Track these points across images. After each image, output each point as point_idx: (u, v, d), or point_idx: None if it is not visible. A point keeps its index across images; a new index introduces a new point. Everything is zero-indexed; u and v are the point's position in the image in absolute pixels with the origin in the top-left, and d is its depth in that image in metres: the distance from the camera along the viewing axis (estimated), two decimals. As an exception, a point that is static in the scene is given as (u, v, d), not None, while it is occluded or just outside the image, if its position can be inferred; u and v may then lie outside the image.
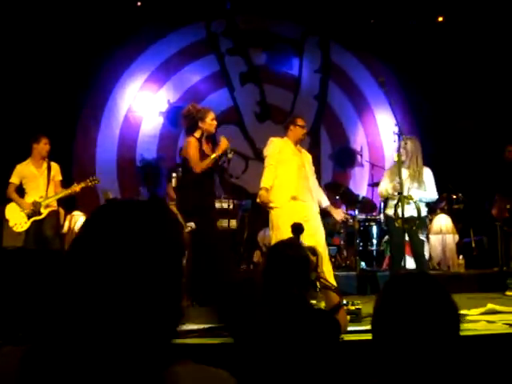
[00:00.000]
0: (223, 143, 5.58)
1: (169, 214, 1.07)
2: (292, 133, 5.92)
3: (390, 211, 5.80)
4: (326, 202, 6.05)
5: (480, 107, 9.58)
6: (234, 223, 7.56)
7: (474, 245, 8.33)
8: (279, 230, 5.45)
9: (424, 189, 5.82)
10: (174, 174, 7.38)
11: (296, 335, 2.37)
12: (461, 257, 7.98)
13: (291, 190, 5.70)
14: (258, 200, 5.78)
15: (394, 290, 1.50)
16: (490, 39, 9.39)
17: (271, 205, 5.66)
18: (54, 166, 6.70)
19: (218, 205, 7.63)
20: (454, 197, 8.37)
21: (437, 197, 6.10)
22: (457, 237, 8.01)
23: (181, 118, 5.86)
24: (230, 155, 5.71)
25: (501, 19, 9.13)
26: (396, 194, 5.52)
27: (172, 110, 9.51)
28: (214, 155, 5.52)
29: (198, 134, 5.60)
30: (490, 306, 4.74)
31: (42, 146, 6.61)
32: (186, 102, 9.58)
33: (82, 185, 6.62)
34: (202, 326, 3.61)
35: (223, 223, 7.50)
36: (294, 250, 2.60)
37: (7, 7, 8.01)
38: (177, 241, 1.05)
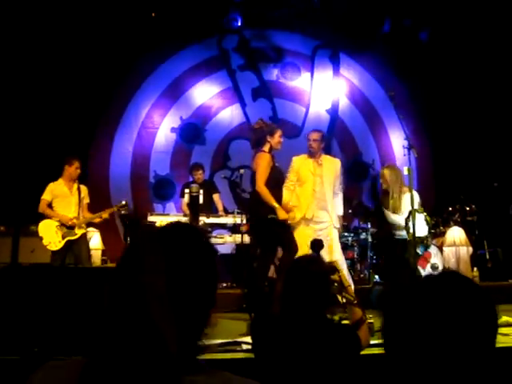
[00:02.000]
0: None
1: (203, 237, 1.19)
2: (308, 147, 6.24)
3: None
4: (338, 212, 6.26)
5: (493, 119, 9.58)
6: (247, 238, 7.57)
7: (488, 257, 8.27)
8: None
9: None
10: (186, 190, 7.41)
11: (316, 350, 2.37)
12: (475, 269, 7.93)
13: (304, 213, 6.04)
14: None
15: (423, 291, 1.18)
16: (504, 54, 9.39)
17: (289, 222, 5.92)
18: (83, 189, 6.89)
19: (231, 220, 7.70)
20: (467, 209, 8.32)
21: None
22: (471, 249, 7.95)
23: (250, 132, 6.02)
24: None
25: None
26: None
27: (184, 126, 9.61)
28: (276, 206, 5.51)
29: (266, 149, 5.68)
30: (504, 318, 4.71)
31: (74, 170, 6.77)
32: (198, 118, 9.71)
33: (110, 210, 6.96)
34: (216, 342, 3.61)
35: (237, 238, 7.53)
36: (314, 265, 2.61)
37: (22, 27, 8.17)
38: (209, 263, 1.15)
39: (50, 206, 6.68)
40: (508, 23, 9.05)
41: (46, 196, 6.68)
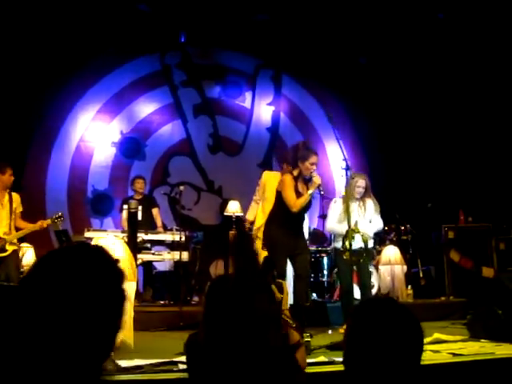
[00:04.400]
0: (316, 179, 5.55)
1: (109, 260, 1.18)
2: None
3: (338, 244, 6.01)
4: None
5: (428, 140, 9.92)
6: (185, 255, 7.52)
7: (421, 275, 8.52)
8: None
9: (370, 220, 6.04)
10: (125, 206, 7.31)
11: (250, 371, 2.36)
12: (409, 287, 8.14)
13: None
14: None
15: (364, 315, 1.58)
16: (441, 74, 9.76)
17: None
18: (16, 198, 6.43)
19: (169, 237, 7.63)
20: (402, 228, 8.56)
21: (382, 225, 6.35)
22: (405, 267, 8.16)
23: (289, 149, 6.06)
24: (322, 192, 5.73)
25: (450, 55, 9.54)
26: (342, 226, 5.78)
27: (125, 140, 9.48)
28: (308, 192, 5.54)
29: (295, 173, 5.64)
30: (436, 335, 4.84)
31: (8, 178, 6.34)
32: (138, 132, 9.61)
33: (49, 222, 6.53)
34: (151, 361, 3.55)
35: (175, 255, 7.47)
36: (232, 284, 2.60)
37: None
38: (113, 286, 1.15)
39: None
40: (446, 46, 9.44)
41: None
